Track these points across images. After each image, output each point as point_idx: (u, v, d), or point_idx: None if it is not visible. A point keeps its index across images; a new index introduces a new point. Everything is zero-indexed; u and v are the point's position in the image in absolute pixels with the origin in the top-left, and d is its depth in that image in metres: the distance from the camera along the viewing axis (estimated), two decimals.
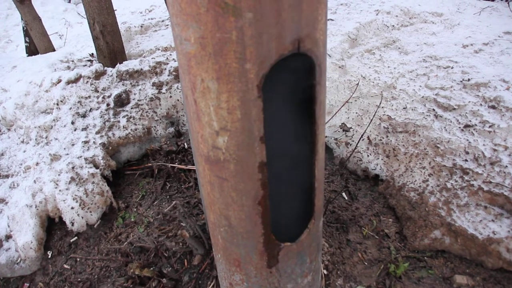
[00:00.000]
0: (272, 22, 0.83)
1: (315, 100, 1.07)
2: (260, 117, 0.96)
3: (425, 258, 2.19)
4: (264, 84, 0.91)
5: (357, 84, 3.19)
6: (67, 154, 2.75)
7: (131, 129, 2.96)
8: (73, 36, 5.16)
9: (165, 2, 4.29)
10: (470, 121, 2.59)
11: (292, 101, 1.08)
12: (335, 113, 3.06)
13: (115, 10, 4.73)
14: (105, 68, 3.28)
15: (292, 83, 1.04)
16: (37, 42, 4.19)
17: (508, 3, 4.35)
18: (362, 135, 2.58)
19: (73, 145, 2.81)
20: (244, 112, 0.94)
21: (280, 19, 0.83)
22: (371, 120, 2.60)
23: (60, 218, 2.58)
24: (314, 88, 1.04)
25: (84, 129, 2.90)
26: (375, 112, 2.66)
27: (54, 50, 4.31)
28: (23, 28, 4.49)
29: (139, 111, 3.06)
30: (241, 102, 0.92)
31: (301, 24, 0.88)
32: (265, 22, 0.82)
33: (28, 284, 2.39)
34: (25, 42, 4.62)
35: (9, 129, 3.16)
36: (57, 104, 3.01)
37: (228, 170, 1.06)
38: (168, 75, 3.26)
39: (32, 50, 4.56)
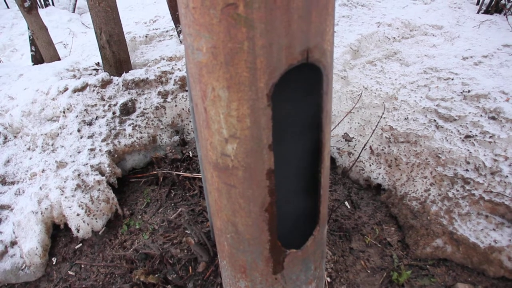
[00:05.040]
0: (282, 32, 0.85)
1: (322, 109, 1.09)
2: (269, 125, 0.98)
3: (427, 266, 2.20)
4: (274, 93, 0.94)
5: (360, 95, 3.23)
6: (73, 161, 2.78)
7: (136, 137, 3.00)
8: (78, 45, 5.21)
9: (170, 13, 4.35)
10: (470, 131, 2.62)
11: (300, 110, 1.11)
12: (338, 123, 3.09)
13: None
14: (111, 77, 3.32)
15: (300, 93, 1.07)
16: (43, 51, 4.24)
17: (506, 17, 4.41)
18: (364, 145, 2.61)
19: (79, 152, 2.84)
20: (254, 120, 0.96)
21: (290, 30, 0.86)
22: (374, 130, 2.63)
23: (66, 224, 2.60)
24: (321, 98, 1.07)
25: (90, 136, 2.93)
26: (378, 122, 2.70)
27: (59, 59, 4.36)
28: (29, 37, 4.54)
29: (145, 119, 3.10)
30: (250, 111, 0.94)
31: (310, 35, 0.90)
32: (275, 32, 0.84)
33: None
34: (31, 51, 4.67)
35: (15, 136, 3.19)
36: (64, 112, 3.05)
37: (236, 177, 1.08)
38: (174, 84, 3.30)
39: (37, 59, 4.61)
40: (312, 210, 1.31)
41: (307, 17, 0.87)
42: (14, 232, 2.55)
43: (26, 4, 3.85)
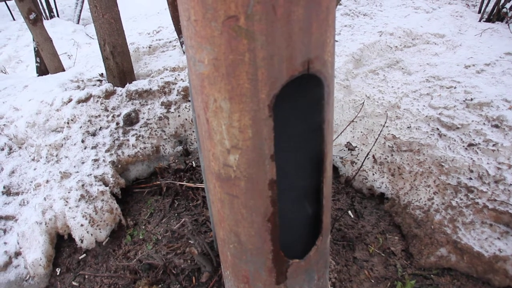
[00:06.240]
0: (283, 44, 0.86)
1: (323, 119, 1.10)
2: (271, 135, 0.99)
3: (432, 275, 2.19)
4: (275, 104, 0.94)
5: (362, 104, 3.24)
6: (77, 172, 2.80)
7: (140, 148, 3.02)
8: (82, 56, 5.26)
9: (173, 24, 4.39)
10: (473, 140, 2.62)
11: (302, 120, 1.11)
12: (341, 133, 3.10)
13: None
14: (115, 87, 3.35)
15: (302, 103, 1.08)
16: (47, 62, 4.28)
17: (508, 25, 4.42)
18: (367, 154, 2.61)
19: (83, 163, 2.86)
20: (255, 131, 0.96)
21: (291, 42, 0.87)
22: (376, 139, 2.63)
23: (69, 235, 2.60)
24: (323, 108, 1.08)
25: (94, 147, 2.95)
26: (380, 131, 2.70)
27: (64, 70, 4.40)
28: (34, 48, 4.59)
29: (148, 130, 3.12)
30: (252, 121, 0.95)
31: (310, 46, 0.91)
32: (276, 44, 0.85)
33: None
34: (36, 62, 4.72)
35: (20, 147, 3.22)
36: (68, 123, 3.07)
37: (238, 188, 1.08)
38: (177, 95, 3.33)
39: (42, 70, 4.65)
40: (315, 220, 1.31)
41: (307, 29, 0.88)
42: (18, 243, 2.56)
43: (32, 16, 3.90)
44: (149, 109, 3.24)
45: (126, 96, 3.26)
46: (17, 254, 2.54)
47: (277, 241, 1.18)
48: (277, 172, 1.06)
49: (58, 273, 2.50)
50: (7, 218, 2.76)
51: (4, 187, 2.94)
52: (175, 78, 3.51)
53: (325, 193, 1.24)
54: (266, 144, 0.99)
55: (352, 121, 3.11)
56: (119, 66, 3.53)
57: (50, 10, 7.64)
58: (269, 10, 0.82)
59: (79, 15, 7.82)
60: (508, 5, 4.63)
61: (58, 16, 7.97)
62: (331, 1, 0.93)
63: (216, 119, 1.00)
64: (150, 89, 3.32)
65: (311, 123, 1.12)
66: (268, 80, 0.89)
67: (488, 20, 4.71)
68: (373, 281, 2.18)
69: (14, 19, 8.20)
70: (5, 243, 2.61)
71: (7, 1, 7.92)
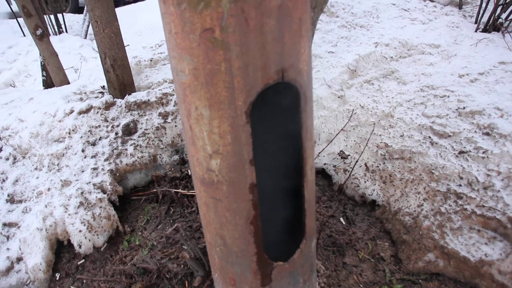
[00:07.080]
0: (257, 54, 0.91)
1: (301, 125, 1.15)
2: (249, 141, 1.03)
3: (420, 280, 2.22)
4: (252, 111, 0.99)
5: (355, 113, 3.29)
6: (77, 180, 2.87)
7: (138, 157, 3.09)
8: (87, 69, 5.36)
9: None
10: (464, 147, 2.66)
11: (280, 126, 1.16)
12: (331, 140, 3.15)
13: (128, 45, 4.93)
14: (115, 99, 3.43)
15: (279, 110, 1.13)
16: (53, 76, 4.39)
17: (503, 35, 4.48)
18: (357, 160, 2.66)
19: (82, 171, 2.94)
20: (234, 137, 1.01)
21: (265, 52, 0.91)
22: (366, 145, 2.69)
23: (69, 241, 2.67)
24: (300, 114, 1.13)
25: (93, 156, 3.03)
26: (368, 139, 2.75)
27: (69, 83, 4.50)
28: (41, 63, 4.70)
29: (146, 139, 3.19)
30: (231, 128, 0.99)
31: (284, 56, 0.95)
32: (250, 54, 0.90)
33: None
34: (42, 76, 4.82)
35: (24, 157, 3.30)
36: (69, 133, 3.16)
37: (221, 191, 1.12)
38: (174, 106, 3.41)
39: (48, 83, 4.75)
40: (298, 224, 1.35)
41: (280, 39, 0.93)
42: (20, 249, 2.63)
43: (38, 32, 4.02)
44: (147, 119, 3.32)
45: (125, 107, 3.35)
46: (19, 259, 2.61)
47: (260, 244, 1.22)
48: (257, 176, 1.09)
49: (57, 278, 2.56)
50: (10, 225, 2.84)
51: (8, 195, 3.02)
52: (173, 90, 3.59)
53: (306, 197, 1.28)
54: (245, 149, 1.04)
55: (342, 129, 3.17)
56: (120, 79, 3.62)
57: (59, 26, 7.78)
58: (242, 22, 0.87)
59: (87, 30, 7.96)
60: (503, 16, 4.68)
61: (66, 31, 8.10)
62: (304, 12, 0.98)
63: (198, 125, 1.05)
64: (148, 100, 3.40)
65: (289, 129, 1.16)
66: (244, 88, 0.94)
67: (485, 30, 4.76)
68: (361, 285, 2.21)
69: (24, 35, 8.36)
70: (8, 249, 2.68)
71: (18, 18, 8.09)
